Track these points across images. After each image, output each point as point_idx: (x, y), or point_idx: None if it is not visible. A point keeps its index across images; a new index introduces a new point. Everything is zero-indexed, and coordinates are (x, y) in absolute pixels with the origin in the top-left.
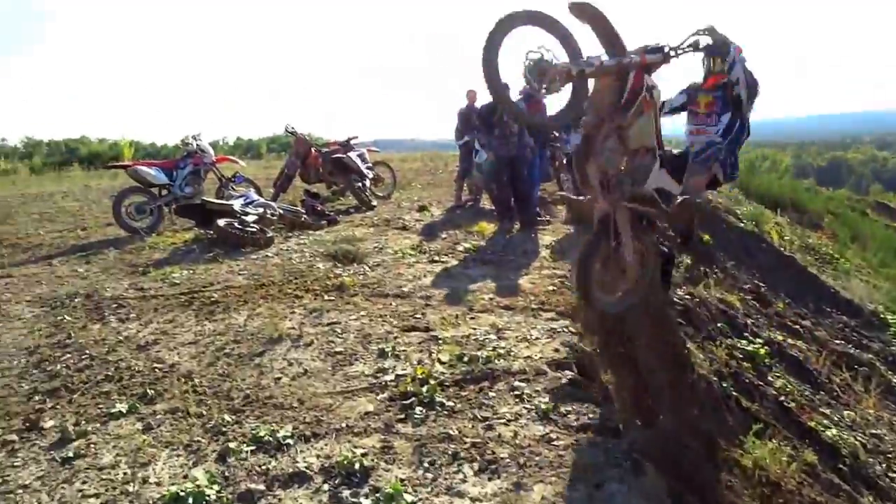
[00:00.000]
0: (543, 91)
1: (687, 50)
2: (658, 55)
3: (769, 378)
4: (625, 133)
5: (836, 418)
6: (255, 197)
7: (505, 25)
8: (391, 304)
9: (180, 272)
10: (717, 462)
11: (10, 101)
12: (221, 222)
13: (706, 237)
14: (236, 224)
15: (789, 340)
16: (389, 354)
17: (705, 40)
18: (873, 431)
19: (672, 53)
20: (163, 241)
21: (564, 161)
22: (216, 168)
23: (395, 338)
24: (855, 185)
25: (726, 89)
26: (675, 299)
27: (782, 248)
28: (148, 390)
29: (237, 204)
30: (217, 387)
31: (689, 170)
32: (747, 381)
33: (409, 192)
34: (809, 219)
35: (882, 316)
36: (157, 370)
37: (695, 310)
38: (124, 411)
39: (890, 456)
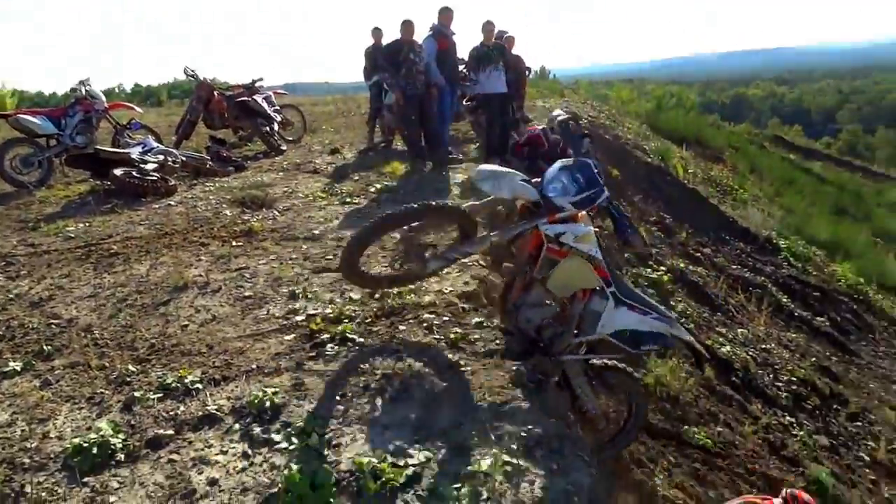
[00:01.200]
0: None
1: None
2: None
3: (671, 302)
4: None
5: (730, 336)
6: (155, 144)
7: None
8: (302, 247)
9: (75, 226)
10: None
11: None
12: (118, 172)
13: (615, 172)
14: (135, 173)
15: (691, 267)
16: (300, 296)
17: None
18: (763, 346)
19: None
20: (54, 194)
21: (465, 102)
22: (110, 115)
23: (306, 279)
24: (755, 121)
25: None
26: None
27: (686, 181)
28: (44, 347)
29: (135, 152)
30: (120, 338)
31: None
32: None
33: (321, 136)
34: (712, 153)
35: (774, 241)
36: (53, 326)
37: (602, 241)
38: (19, 369)
39: (777, 367)
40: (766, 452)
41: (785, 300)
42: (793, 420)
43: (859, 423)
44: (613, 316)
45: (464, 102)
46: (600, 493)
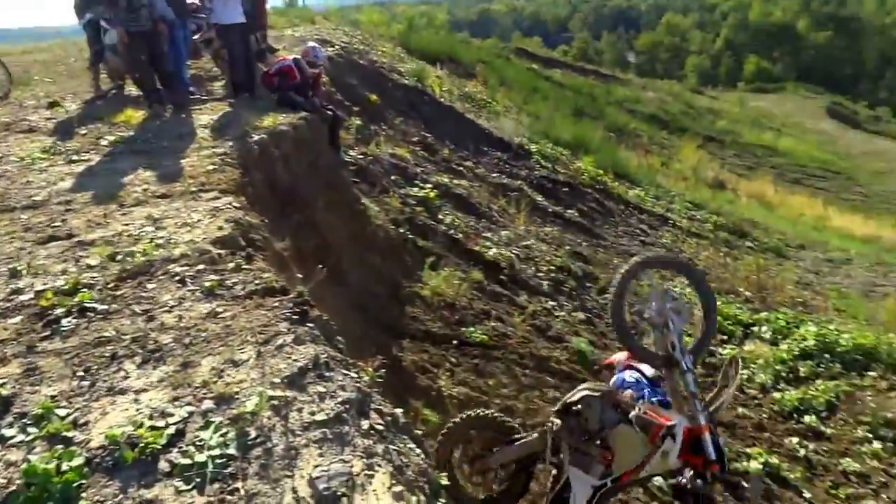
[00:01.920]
0: None
1: None
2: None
3: (440, 216)
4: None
5: (495, 239)
6: None
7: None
8: (21, 218)
9: None
10: (401, 299)
11: None
12: None
13: (373, 97)
14: None
15: (455, 181)
16: (24, 272)
17: None
18: (524, 243)
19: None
20: None
21: (200, 36)
22: None
23: (30, 253)
24: (500, 35)
25: None
26: (347, 160)
27: (443, 99)
28: None
29: None
30: None
31: None
32: (421, 223)
33: (35, 89)
34: (465, 69)
35: (526, 147)
36: None
37: (368, 167)
38: None
39: (537, 260)
40: (534, 336)
41: (540, 199)
42: (554, 303)
43: (608, 295)
44: (585, 493)
45: (195, 37)
46: (378, 404)
